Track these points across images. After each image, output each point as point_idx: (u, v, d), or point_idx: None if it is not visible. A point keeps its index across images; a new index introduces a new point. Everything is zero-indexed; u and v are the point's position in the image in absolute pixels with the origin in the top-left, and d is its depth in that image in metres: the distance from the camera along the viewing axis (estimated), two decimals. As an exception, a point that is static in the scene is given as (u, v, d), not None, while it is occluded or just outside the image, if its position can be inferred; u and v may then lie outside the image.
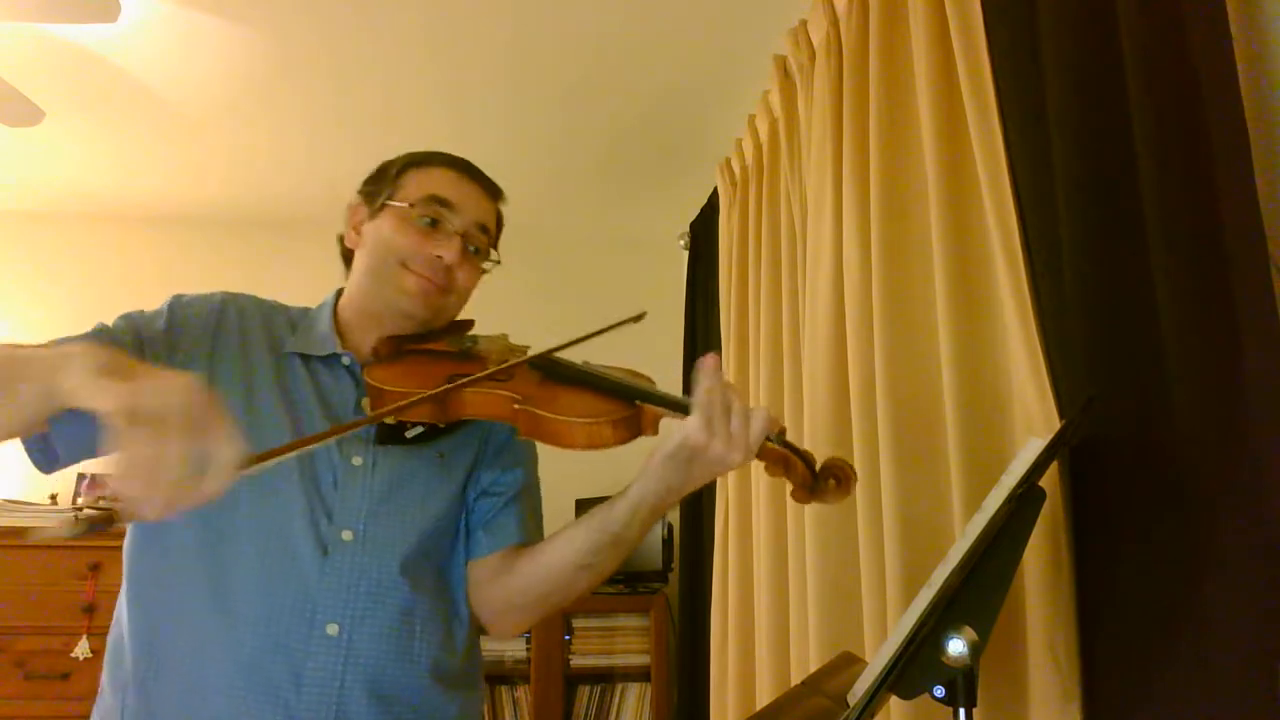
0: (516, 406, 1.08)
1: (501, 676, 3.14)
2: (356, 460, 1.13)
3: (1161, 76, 1.03)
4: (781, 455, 1.06)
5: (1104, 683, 1.10)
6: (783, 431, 1.05)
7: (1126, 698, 1.06)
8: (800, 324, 2.09)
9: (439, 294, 1.19)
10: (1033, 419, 1.23)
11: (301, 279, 1.67)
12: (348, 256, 1.27)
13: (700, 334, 3.26)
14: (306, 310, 1.27)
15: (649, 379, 1.16)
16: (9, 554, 2.82)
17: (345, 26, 2.37)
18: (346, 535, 1.10)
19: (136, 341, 1.09)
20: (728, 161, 2.88)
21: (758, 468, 2.26)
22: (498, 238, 1.29)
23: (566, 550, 1.15)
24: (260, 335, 1.18)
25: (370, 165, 1.29)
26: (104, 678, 1.15)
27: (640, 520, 1.09)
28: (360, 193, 1.26)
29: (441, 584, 1.19)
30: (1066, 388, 1.20)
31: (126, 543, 1.13)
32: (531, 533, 1.24)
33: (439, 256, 1.17)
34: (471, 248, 1.21)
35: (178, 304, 1.17)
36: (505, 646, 3.15)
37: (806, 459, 1.07)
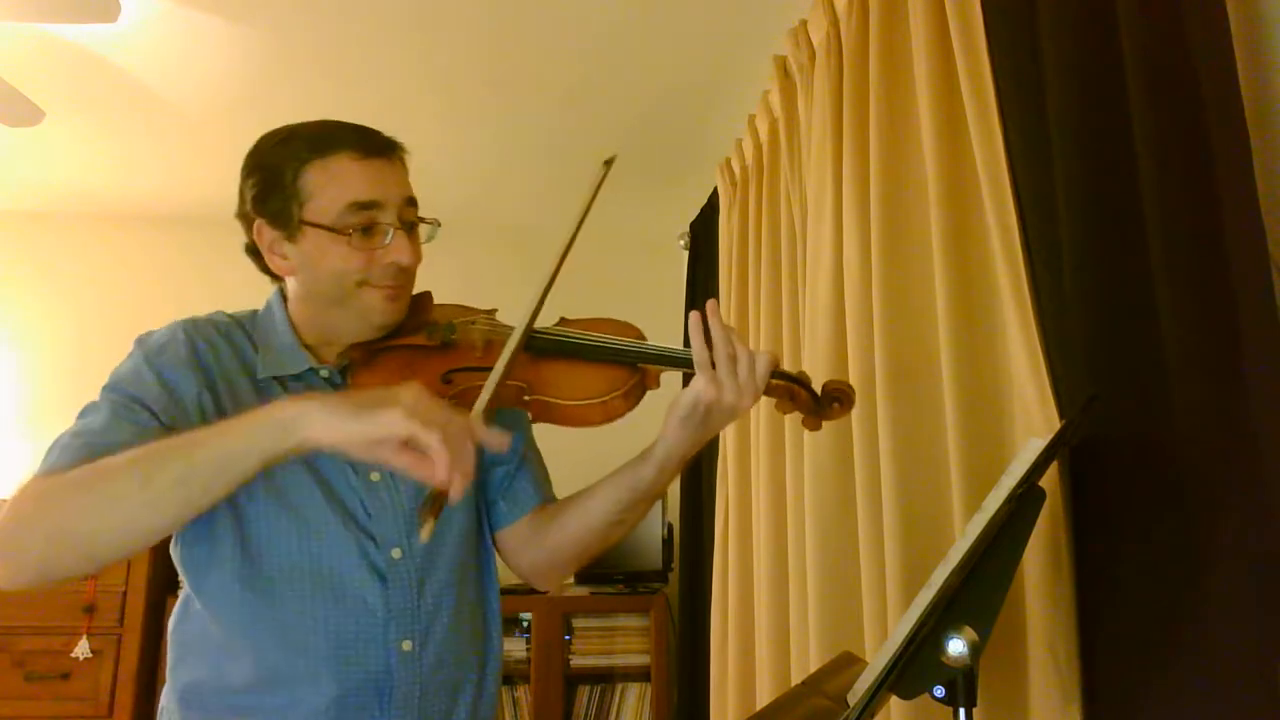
0: (527, 397, 1.08)
1: (502, 676, 3.14)
2: (374, 476, 1.13)
3: (1161, 76, 1.03)
4: (786, 389, 1.11)
5: (1104, 683, 1.10)
6: (778, 364, 1.09)
7: (1126, 698, 1.06)
8: (800, 324, 2.09)
9: (404, 294, 1.15)
10: (1033, 419, 1.23)
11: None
12: (267, 270, 1.19)
13: (700, 334, 3.25)
14: (255, 316, 1.21)
15: (631, 327, 1.16)
16: (8, 554, 2.81)
17: (344, 26, 2.37)
18: (396, 553, 1.11)
19: (155, 419, 1.04)
20: (728, 161, 2.88)
21: (758, 453, 2.27)
22: None
23: (598, 510, 1.18)
24: (233, 364, 1.14)
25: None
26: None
27: (669, 475, 1.14)
28: (256, 210, 1.13)
29: (480, 564, 1.24)
30: (1066, 388, 1.20)
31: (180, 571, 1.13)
32: (547, 491, 1.29)
33: (395, 261, 1.11)
34: (409, 224, 1.14)
35: (151, 356, 1.10)
36: (505, 646, 3.14)
37: (809, 386, 1.12)
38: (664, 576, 3.22)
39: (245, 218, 1.16)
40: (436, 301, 1.23)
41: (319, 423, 0.88)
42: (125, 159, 3.10)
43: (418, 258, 1.15)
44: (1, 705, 2.73)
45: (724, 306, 2.85)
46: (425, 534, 0.88)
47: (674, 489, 3.27)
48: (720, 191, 2.98)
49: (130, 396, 1.06)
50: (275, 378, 1.14)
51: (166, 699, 1.12)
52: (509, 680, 3.13)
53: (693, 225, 3.44)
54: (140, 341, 1.13)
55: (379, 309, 1.13)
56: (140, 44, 2.44)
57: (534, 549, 1.24)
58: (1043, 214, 1.26)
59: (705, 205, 3.29)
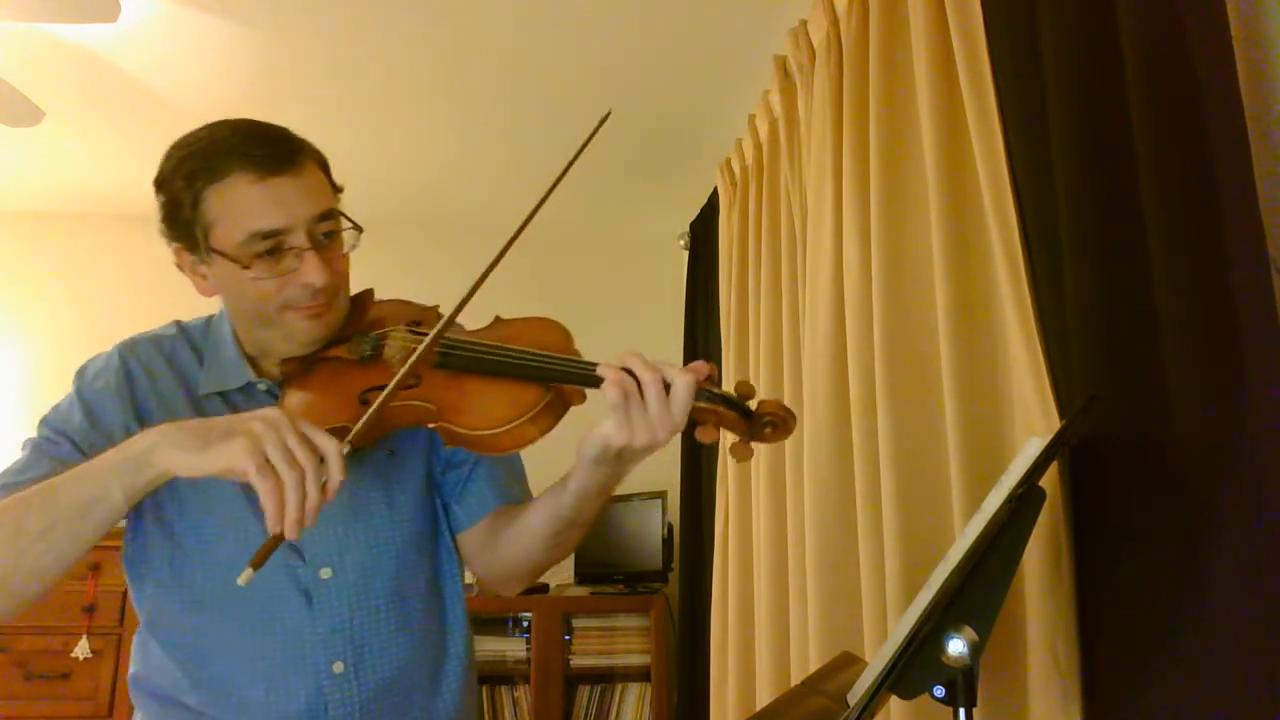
0: (431, 424, 1.03)
1: (501, 676, 3.14)
2: None
3: (1161, 77, 1.03)
4: (711, 412, 0.99)
5: (1104, 683, 1.10)
6: (712, 379, 0.98)
7: (1126, 698, 1.06)
8: (800, 324, 2.09)
9: (329, 310, 1.09)
10: (1033, 419, 1.23)
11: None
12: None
13: (700, 334, 3.26)
14: (206, 327, 1.18)
15: (560, 332, 1.08)
16: (9, 554, 2.82)
17: (345, 27, 2.37)
18: (325, 573, 1.09)
19: (77, 450, 1.04)
20: (728, 161, 2.88)
21: (758, 453, 2.27)
22: (332, 182, 1.12)
23: (533, 531, 1.14)
24: (171, 383, 1.12)
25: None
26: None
27: (590, 506, 1.07)
28: (169, 235, 1.09)
29: (435, 576, 1.19)
30: (1066, 388, 1.20)
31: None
32: (510, 490, 1.22)
33: (309, 284, 1.04)
34: (323, 236, 1.07)
35: (84, 386, 1.10)
36: (505, 646, 3.15)
37: (740, 406, 1.00)
38: (664, 576, 3.22)
39: (165, 237, 1.11)
40: (378, 298, 1.18)
41: (169, 454, 0.88)
42: (126, 159, 3.10)
43: (334, 274, 1.07)
44: (1, 705, 2.73)
45: (724, 306, 2.85)
46: (241, 580, 0.83)
47: (674, 489, 3.27)
48: (720, 191, 2.98)
49: (56, 430, 1.06)
50: (220, 393, 1.12)
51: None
52: (509, 680, 3.13)
53: (693, 225, 3.44)
54: (79, 373, 1.13)
55: (303, 329, 1.08)
56: (140, 44, 2.44)
57: (489, 555, 1.20)
58: (1043, 214, 1.26)
59: (705, 205, 3.29)
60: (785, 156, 2.28)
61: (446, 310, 1.08)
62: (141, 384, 1.11)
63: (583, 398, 1.03)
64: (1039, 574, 1.18)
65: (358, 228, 1.11)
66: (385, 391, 0.98)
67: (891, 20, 1.73)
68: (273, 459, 0.85)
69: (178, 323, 1.20)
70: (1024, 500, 0.96)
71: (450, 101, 2.74)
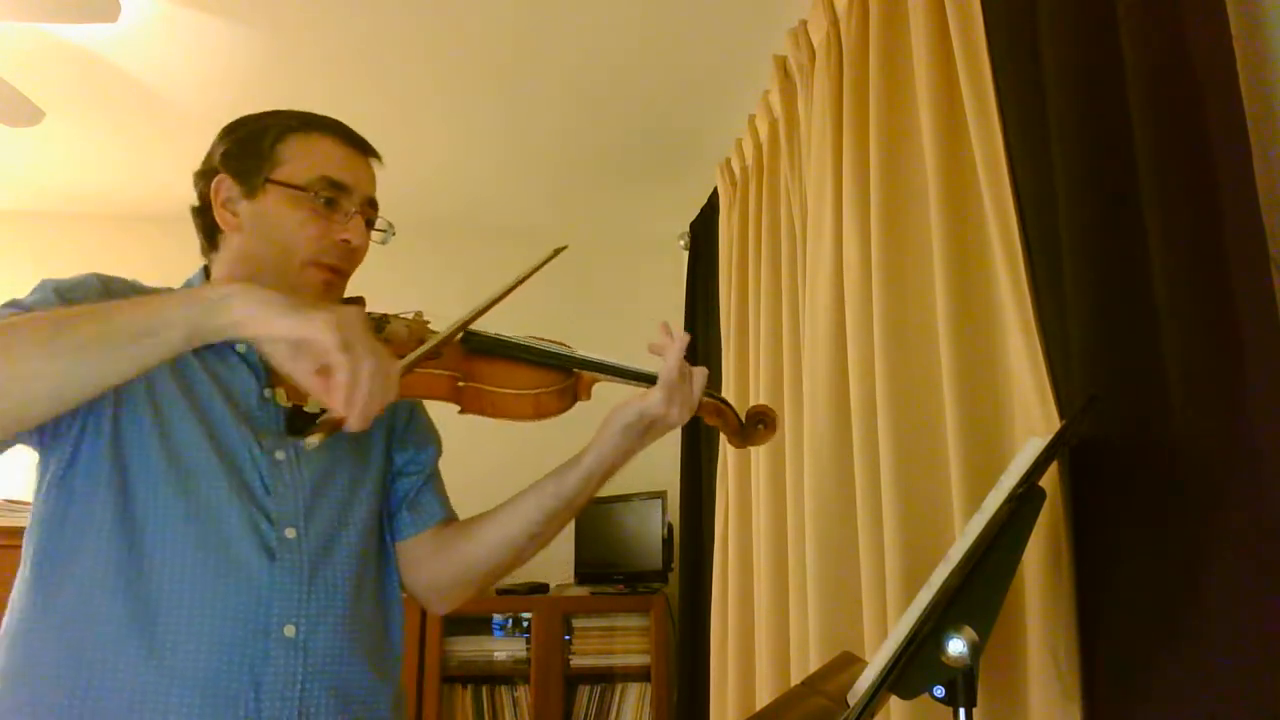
0: (460, 384, 1.07)
1: (501, 676, 3.14)
2: (279, 455, 1.08)
3: (1161, 77, 1.03)
4: (715, 406, 1.15)
5: (1104, 683, 1.10)
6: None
7: (1126, 698, 1.06)
8: (800, 324, 2.09)
9: (341, 282, 1.14)
10: (1033, 419, 1.23)
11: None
12: (208, 230, 1.15)
13: (700, 334, 3.26)
14: (175, 288, 1.13)
15: (564, 345, 1.16)
16: (9, 554, 2.82)
17: (346, 27, 2.37)
18: (290, 533, 1.06)
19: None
20: (728, 161, 2.88)
21: (758, 452, 2.27)
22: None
23: (516, 521, 1.16)
24: None
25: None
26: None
27: (593, 486, 1.14)
28: (224, 165, 1.12)
29: (380, 571, 1.18)
30: (1066, 388, 1.20)
31: (32, 559, 1.04)
32: (451, 509, 1.26)
33: (345, 240, 1.11)
34: (368, 220, 1.15)
35: (63, 289, 1.05)
36: (505, 646, 3.15)
37: (734, 408, 1.17)
38: (664, 576, 3.22)
39: (205, 175, 1.14)
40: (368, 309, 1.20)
41: (249, 307, 0.85)
42: (125, 159, 3.10)
43: (366, 246, 1.15)
44: (1, 705, 2.72)
45: (724, 306, 2.85)
46: (314, 440, 0.84)
47: (674, 489, 3.27)
48: (720, 191, 2.98)
49: (42, 306, 1.02)
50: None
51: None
52: (509, 680, 3.14)
53: (693, 225, 3.44)
54: (45, 280, 1.08)
55: (314, 289, 1.10)
56: (140, 44, 2.44)
57: (436, 564, 1.20)
58: (1043, 214, 1.26)
59: (705, 205, 3.29)
60: (785, 156, 2.28)
61: (432, 317, 1.17)
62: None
63: (589, 394, 1.13)
64: (1039, 574, 1.18)
65: (390, 228, 1.18)
66: (452, 326, 1.05)
67: (891, 20, 1.73)
68: (355, 343, 0.84)
69: (140, 281, 1.14)
70: (1024, 500, 0.96)
71: (448, 101, 2.74)
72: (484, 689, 3.14)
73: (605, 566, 3.26)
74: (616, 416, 1.09)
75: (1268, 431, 0.89)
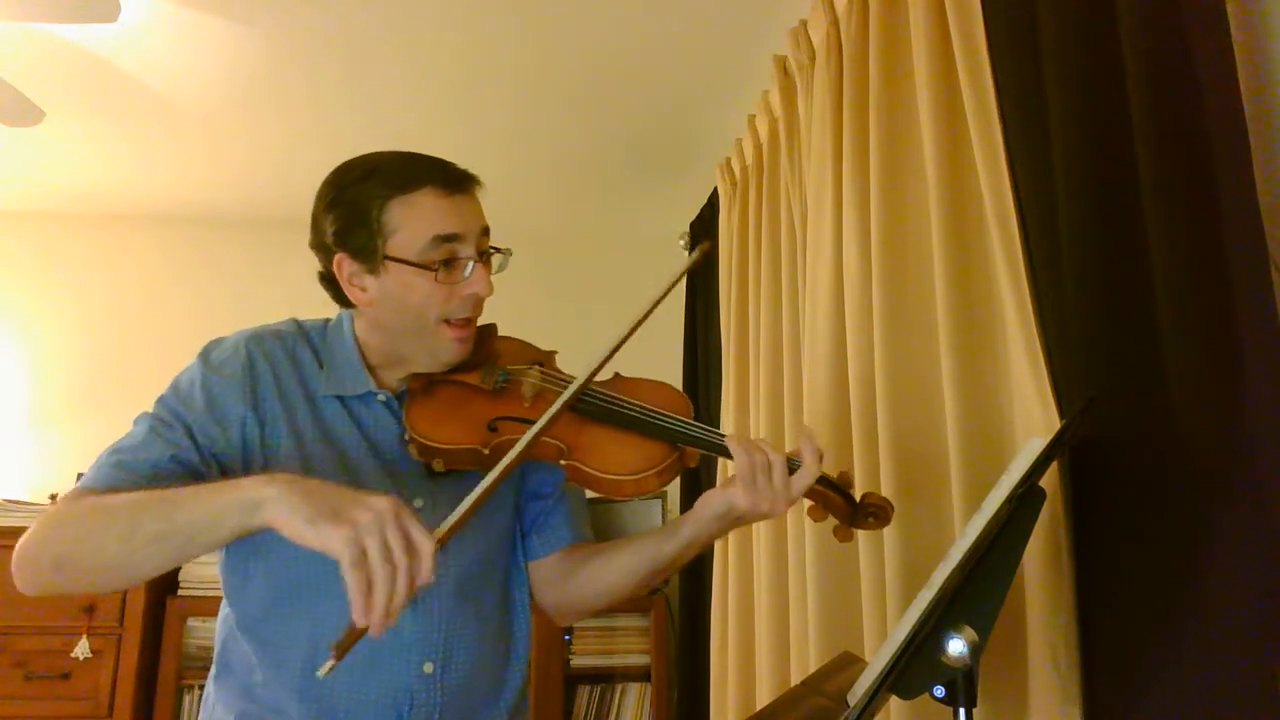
0: (564, 462, 1.09)
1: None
2: (418, 502, 1.15)
3: (1161, 77, 1.03)
4: (822, 494, 1.13)
5: (1104, 683, 1.10)
6: (821, 460, 1.10)
7: (1126, 698, 1.06)
8: (800, 324, 2.09)
9: (473, 333, 1.18)
10: (1033, 419, 1.23)
11: (303, 277, 1.66)
12: (341, 299, 1.21)
13: (700, 334, 3.26)
14: (325, 330, 1.23)
15: (683, 398, 1.17)
16: (9, 554, 2.82)
17: (348, 27, 2.37)
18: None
19: (193, 442, 1.09)
20: (728, 161, 2.88)
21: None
22: None
23: (620, 573, 1.21)
24: (291, 380, 1.17)
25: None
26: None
27: (691, 553, 1.18)
28: (339, 244, 1.14)
29: (506, 586, 1.25)
30: (1066, 388, 1.20)
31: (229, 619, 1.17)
32: (581, 530, 1.31)
33: (474, 293, 1.14)
34: (483, 253, 1.17)
35: (209, 371, 1.14)
36: (505, 646, 3.15)
37: (846, 492, 1.14)
38: (664, 576, 3.22)
39: (324, 249, 1.17)
40: (501, 333, 1.24)
41: (279, 512, 0.90)
42: (126, 158, 3.10)
43: (490, 288, 1.16)
44: (1, 705, 2.72)
45: (724, 306, 2.85)
46: (322, 671, 0.85)
47: (674, 489, 3.27)
48: (720, 191, 2.98)
49: (173, 413, 1.10)
50: (338, 396, 1.17)
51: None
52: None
53: (693, 225, 3.44)
54: (204, 353, 1.17)
55: (450, 349, 1.16)
56: (140, 44, 2.44)
57: (560, 589, 1.26)
58: (1043, 214, 1.26)
59: (705, 205, 3.29)
60: (785, 156, 2.28)
61: (567, 362, 1.20)
62: (265, 378, 1.15)
63: (697, 461, 1.13)
64: (1039, 574, 1.18)
65: (508, 251, 1.20)
66: (563, 399, 1.07)
67: (891, 20, 1.73)
68: (369, 553, 0.85)
69: (296, 321, 1.24)
70: (1024, 500, 0.96)
71: (449, 101, 2.74)
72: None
73: (605, 566, 3.26)
74: (705, 505, 1.12)
75: (1267, 431, 0.89)
